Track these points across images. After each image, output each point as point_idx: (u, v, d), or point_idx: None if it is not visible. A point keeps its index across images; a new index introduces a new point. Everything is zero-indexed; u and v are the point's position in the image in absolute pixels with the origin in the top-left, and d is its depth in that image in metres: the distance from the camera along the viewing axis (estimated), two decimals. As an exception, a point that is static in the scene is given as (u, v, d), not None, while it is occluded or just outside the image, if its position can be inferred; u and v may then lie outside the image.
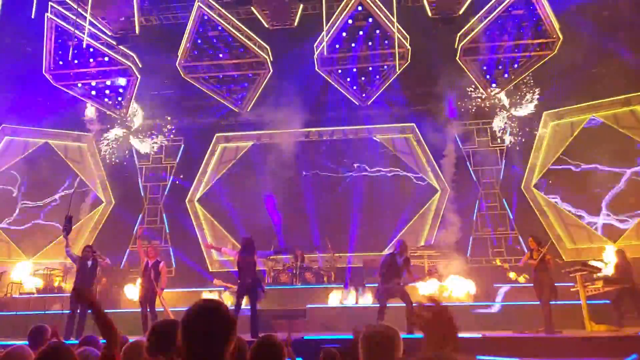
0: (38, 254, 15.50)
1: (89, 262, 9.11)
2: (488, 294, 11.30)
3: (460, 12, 12.91)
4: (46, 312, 10.87)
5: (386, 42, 13.58)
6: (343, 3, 13.19)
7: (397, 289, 8.28)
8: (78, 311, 8.74)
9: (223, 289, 11.83)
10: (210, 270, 15.33)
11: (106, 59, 14.45)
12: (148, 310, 9.13)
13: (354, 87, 15.09)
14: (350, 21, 13.39)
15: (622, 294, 8.81)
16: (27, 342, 4.31)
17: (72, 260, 9.25)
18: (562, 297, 9.95)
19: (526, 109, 15.16)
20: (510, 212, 15.30)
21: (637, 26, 12.93)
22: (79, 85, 14.75)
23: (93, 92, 15.21)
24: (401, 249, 8.52)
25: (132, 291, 11.77)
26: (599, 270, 9.31)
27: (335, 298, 11.52)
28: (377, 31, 13.42)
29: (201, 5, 13.33)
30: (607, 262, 10.39)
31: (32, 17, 13.15)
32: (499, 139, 15.75)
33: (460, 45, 13.45)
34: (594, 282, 9.03)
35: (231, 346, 1.68)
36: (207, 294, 11.89)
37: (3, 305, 12.14)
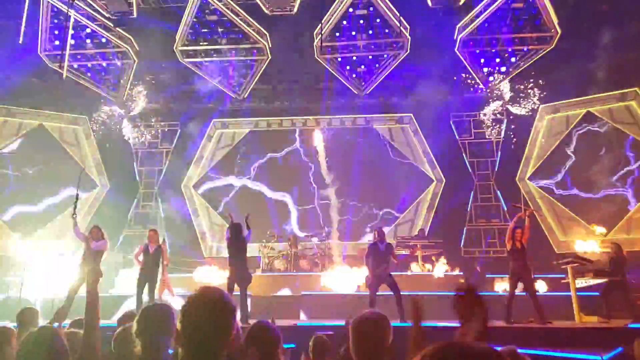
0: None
1: (94, 243, 8.82)
2: (480, 284, 11.41)
3: (461, 3, 12.84)
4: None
5: (386, 31, 13.50)
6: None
7: (386, 275, 8.55)
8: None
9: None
10: (205, 255, 15.36)
11: (103, 40, 14.30)
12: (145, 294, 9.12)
13: (353, 76, 15.02)
14: (351, 9, 13.28)
15: (611, 287, 8.92)
16: (16, 325, 4.34)
17: (81, 240, 9.06)
18: (553, 288, 10.09)
19: (524, 102, 15.14)
20: (504, 203, 15.38)
21: (634, 21, 12.90)
22: (75, 66, 14.62)
23: (89, 74, 15.10)
24: (379, 236, 8.79)
25: (127, 275, 11.73)
26: (591, 262, 9.39)
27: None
28: (378, 20, 13.34)
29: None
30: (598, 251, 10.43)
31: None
32: (495, 131, 15.76)
33: (460, 36, 13.39)
34: (584, 274, 9.15)
35: (231, 334, 1.71)
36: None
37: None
